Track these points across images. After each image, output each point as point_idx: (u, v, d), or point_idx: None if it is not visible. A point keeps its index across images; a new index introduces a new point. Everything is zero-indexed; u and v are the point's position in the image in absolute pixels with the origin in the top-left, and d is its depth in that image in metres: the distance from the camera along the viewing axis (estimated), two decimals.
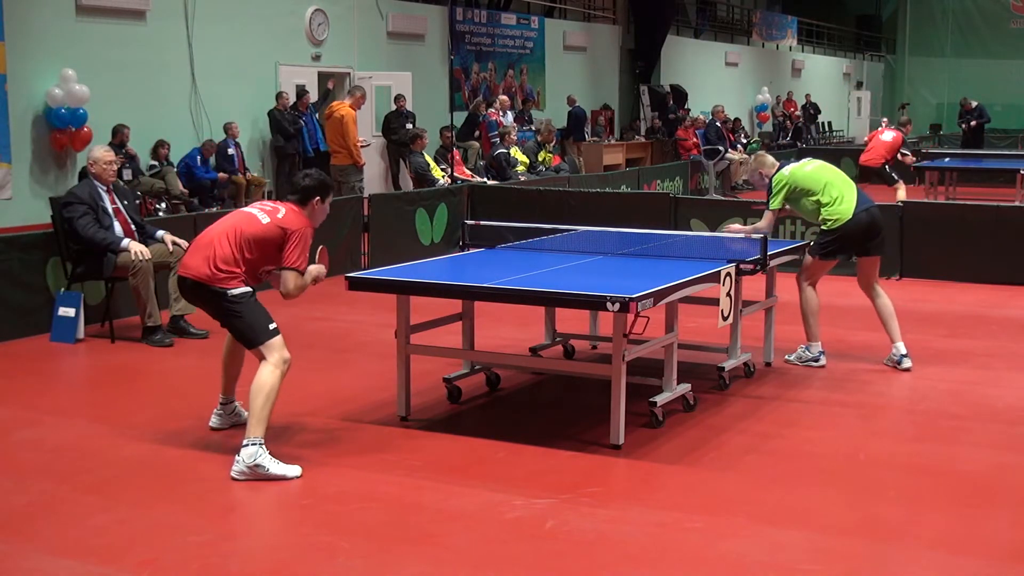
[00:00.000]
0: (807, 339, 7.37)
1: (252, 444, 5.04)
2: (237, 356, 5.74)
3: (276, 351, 5.22)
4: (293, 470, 5.06)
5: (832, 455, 5.51)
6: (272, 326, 5.27)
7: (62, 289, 8.06)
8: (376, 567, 4.16)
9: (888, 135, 15.37)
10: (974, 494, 4.94)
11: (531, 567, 4.16)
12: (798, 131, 28.69)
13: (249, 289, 5.32)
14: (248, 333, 5.27)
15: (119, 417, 6.11)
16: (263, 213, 5.39)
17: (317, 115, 16.36)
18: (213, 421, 5.82)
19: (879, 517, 4.65)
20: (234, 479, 4.99)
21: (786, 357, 7.42)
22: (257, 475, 4.99)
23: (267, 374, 5.16)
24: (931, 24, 37.94)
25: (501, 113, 18.08)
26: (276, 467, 5.04)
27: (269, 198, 15.58)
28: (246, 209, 5.52)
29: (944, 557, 4.28)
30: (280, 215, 5.36)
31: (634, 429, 5.72)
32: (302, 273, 5.36)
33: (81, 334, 7.92)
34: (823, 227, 7.17)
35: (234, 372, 5.80)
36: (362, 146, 13.02)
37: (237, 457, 5.04)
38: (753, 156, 7.51)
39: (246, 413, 5.76)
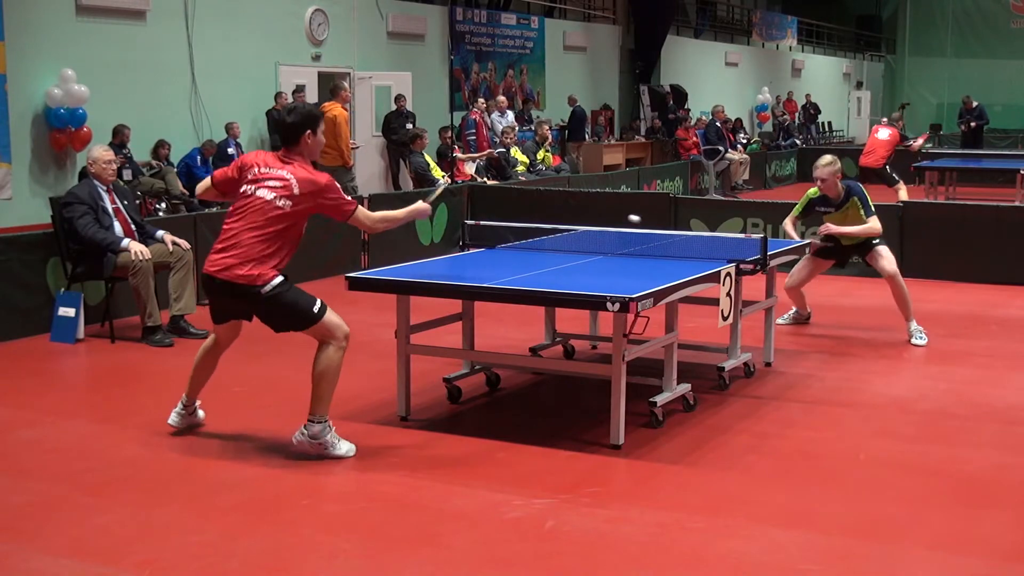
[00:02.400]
0: (912, 317, 8.01)
1: (320, 422, 5.20)
2: (211, 361, 5.62)
3: (336, 329, 5.22)
4: (348, 447, 5.29)
5: (832, 455, 5.51)
6: (318, 306, 5.21)
7: (62, 289, 8.06)
8: (376, 567, 4.16)
9: (884, 133, 15.34)
10: (974, 494, 4.94)
11: (531, 567, 4.16)
12: (787, 130, 28.63)
13: (283, 277, 5.21)
14: (297, 321, 5.22)
15: (119, 417, 6.11)
16: (277, 195, 5.17)
17: None
18: (173, 419, 5.66)
19: (879, 517, 4.65)
20: (295, 447, 5.24)
21: (918, 341, 7.88)
22: (319, 450, 5.18)
23: (331, 354, 5.19)
24: (931, 24, 37.95)
25: (493, 113, 18.05)
26: (336, 446, 5.24)
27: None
28: (258, 194, 5.21)
29: (944, 557, 4.28)
30: (295, 189, 5.17)
31: (634, 429, 5.72)
32: (359, 208, 5.33)
33: (81, 334, 7.92)
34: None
35: (205, 376, 5.67)
36: (353, 148, 13.00)
37: (302, 428, 5.23)
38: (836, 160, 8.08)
39: (203, 414, 5.79)
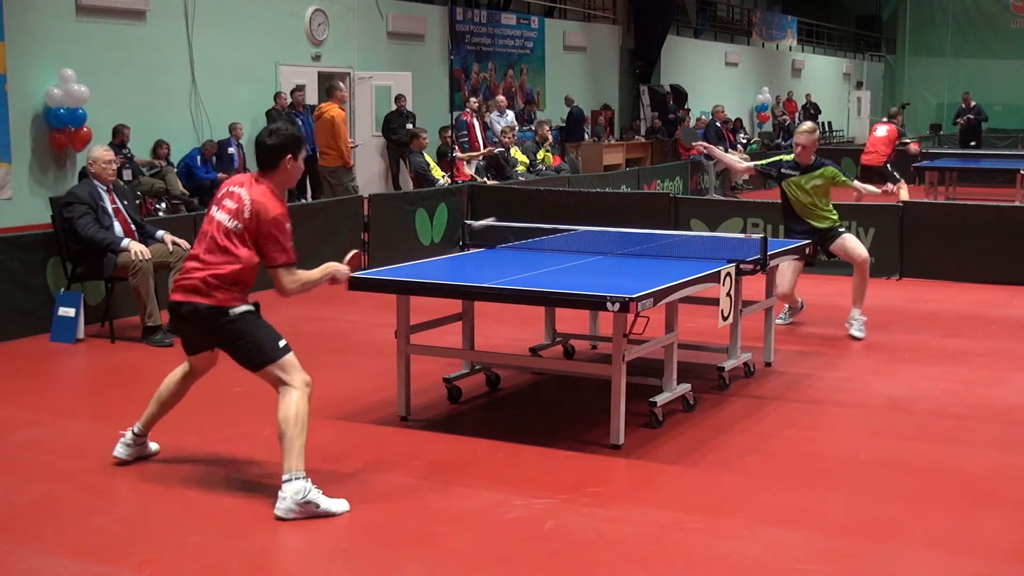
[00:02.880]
0: (861, 306, 8.16)
1: (297, 478, 4.57)
2: (182, 390, 5.23)
3: (296, 372, 4.75)
4: (341, 505, 4.65)
5: (832, 455, 5.51)
6: (283, 343, 4.79)
7: (62, 289, 8.07)
8: (376, 567, 4.16)
9: (882, 130, 15.29)
10: (974, 494, 4.94)
11: (531, 567, 4.16)
12: (787, 130, 28.61)
13: (251, 307, 4.85)
14: (256, 353, 4.76)
15: (119, 417, 6.09)
16: (230, 216, 4.80)
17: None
18: (119, 451, 5.22)
19: (879, 517, 4.65)
20: (280, 518, 4.55)
21: (857, 333, 8.06)
22: (308, 512, 4.55)
23: (295, 400, 4.67)
24: (931, 24, 37.92)
25: (492, 113, 18.02)
26: (326, 503, 4.60)
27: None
28: (215, 216, 4.87)
29: (944, 557, 4.28)
30: (246, 212, 4.76)
31: (634, 429, 5.72)
32: (293, 265, 4.83)
33: (81, 334, 7.92)
34: (833, 222, 8.22)
35: (168, 407, 5.25)
36: (352, 147, 13.01)
37: (281, 495, 4.58)
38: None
39: (154, 446, 5.35)
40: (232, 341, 4.83)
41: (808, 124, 8.40)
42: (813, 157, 8.12)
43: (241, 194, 4.82)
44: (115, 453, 5.23)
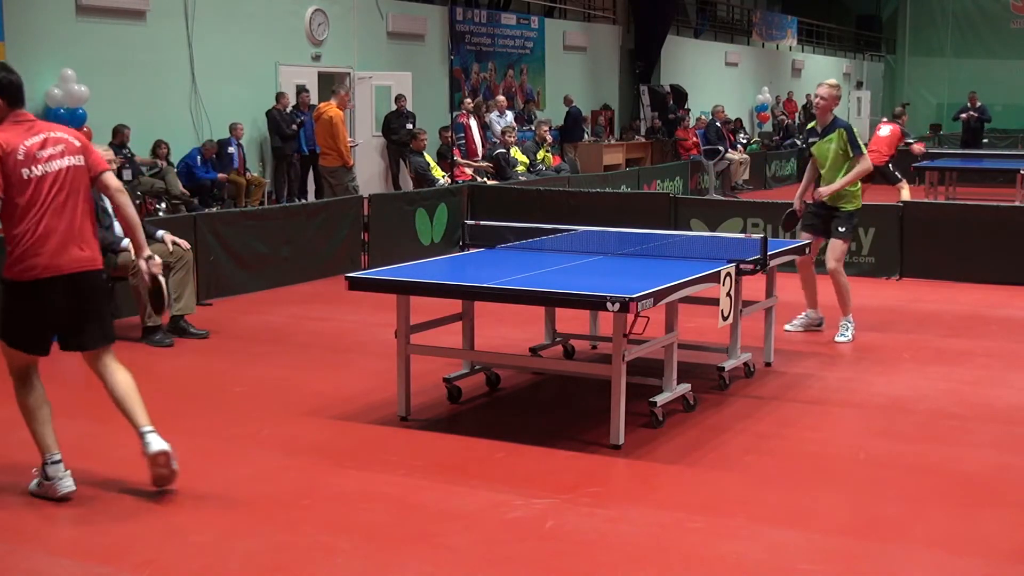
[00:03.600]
0: (847, 313, 7.97)
1: (151, 431, 4.82)
2: (46, 401, 4.99)
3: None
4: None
5: (832, 455, 5.51)
6: None
7: None
8: (376, 567, 4.16)
9: (885, 130, 15.29)
10: (974, 494, 4.94)
11: (531, 567, 4.16)
12: (787, 130, 28.59)
13: None
14: (109, 326, 4.89)
15: (119, 417, 6.07)
16: (72, 157, 4.71)
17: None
18: (70, 484, 4.83)
19: (879, 517, 4.65)
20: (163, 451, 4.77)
21: (838, 338, 7.89)
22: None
23: (123, 372, 4.97)
24: (931, 24, 37.91)
25: (492, 113, 18.00)
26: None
27: (270, 198, 15.62)
28: (62, 166, 4.68)
29: (944, 557, 4.28)
30: (76, 141, 4.77)
31: (634, 429, 5.72)
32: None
33: None
34: (850, 205, 7.88)
35: (50, 420, 4.93)
36: (352, 146, 13.03)
37: (156, 439, 4.80)
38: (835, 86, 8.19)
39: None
40: (103, 303, 4.86)
41: (832, 80, 8.16)
42: (831, 116, 7.93)
43: (51, 136, 4.74)
44: (67, 491, 4.80)
